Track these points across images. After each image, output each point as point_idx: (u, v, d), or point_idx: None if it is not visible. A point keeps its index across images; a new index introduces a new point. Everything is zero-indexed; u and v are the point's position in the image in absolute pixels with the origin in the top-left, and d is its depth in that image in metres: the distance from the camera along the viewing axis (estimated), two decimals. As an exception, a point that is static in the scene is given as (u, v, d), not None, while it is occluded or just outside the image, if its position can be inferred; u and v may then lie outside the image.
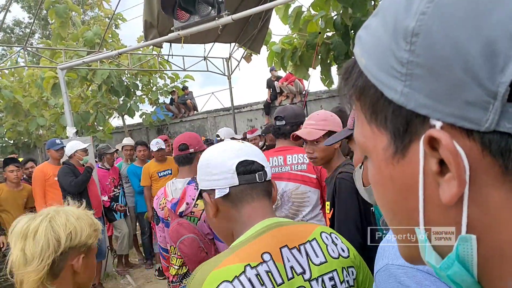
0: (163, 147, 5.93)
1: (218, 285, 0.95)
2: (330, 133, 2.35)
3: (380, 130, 0.43)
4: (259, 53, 8.81)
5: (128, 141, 7.00)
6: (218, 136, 5.57)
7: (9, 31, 25.00)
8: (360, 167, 1.08)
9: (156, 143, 5.91)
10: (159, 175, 6.02)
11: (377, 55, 0.42)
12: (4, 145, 15.60)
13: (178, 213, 2.49)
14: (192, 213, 2.51)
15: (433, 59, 0.37)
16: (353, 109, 0.49)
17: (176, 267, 2.60)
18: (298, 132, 2.45)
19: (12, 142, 15.89)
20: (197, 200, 2.39)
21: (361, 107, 0.45)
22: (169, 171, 6.10)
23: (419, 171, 0.40)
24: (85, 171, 5.33)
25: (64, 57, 8.41)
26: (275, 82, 10.73)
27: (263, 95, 11.40)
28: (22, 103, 12.84)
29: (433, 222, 0.41)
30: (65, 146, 5.89)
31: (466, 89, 0.35)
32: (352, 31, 7.36)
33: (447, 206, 0.39)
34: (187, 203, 2.48)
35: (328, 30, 7.63)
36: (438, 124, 0.38)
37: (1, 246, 5.38)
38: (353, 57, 0.47)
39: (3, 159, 5.79)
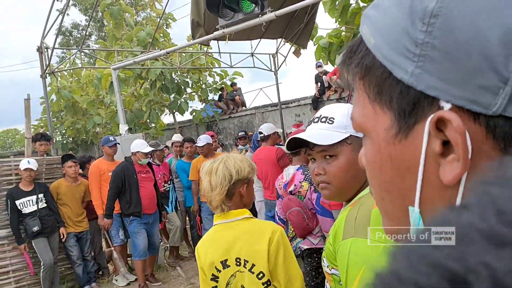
0: (210, 141, 6.08)
1: None
2: None
3: (383, 110, 0.44)
4: (305, 48, 8.78)
5: (177, 137, 7.21)
6: (261, 132, 5.63)
7: (68, 34, 26.31)
8: None
9: (203, 139, 6.09)
10: None
11: (388, 35, 0.41)
12: (64, 142, 16.42)
13: (288, 191, 3.45)
14: (299, 192, 3.41)
15: (451, 42, 0.37)
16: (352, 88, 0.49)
17: (290, 231, 3.45)
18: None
19: (71, 139, 16.71)
20: (302, 182, 3.41)
21: (365, 87, 0.45)
22: None
23: (420, 151, 0.41)
24: (107, 208, 5.60)
25: (117, 57, 8.75)
26: (323, 76, 10.65)
27: (311, 90, 11.36)
28: (80, 102, 13.47)
29: (428, 201, 0.42)
30: (118, 143, 6.17)
31: (481, 74, 0.36)
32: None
33: (445, 186, 0.40)
34: (295, 185, 3.41)
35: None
36: (447, 106, 0.38)
37: (62, 236, 5.72)
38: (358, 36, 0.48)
39: (61, 156, 6.14)
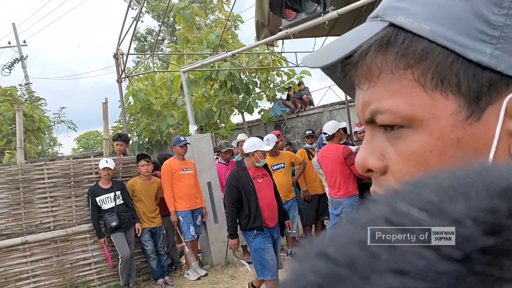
0: (270, 148, 6.16)
1: None
2: None
3: (446, 96, 0.43)
4: None
5: (242, 136, 7.37)
6: (325, 133, 5.61)
7: (143, 40, 27.61)
8: None
9: (266, 140, 6.18)
10: (273, 168, 6.27)
11: (451, 21, 0.42)
12: (140, 142, 17.29)
13: None
14: None
15: None
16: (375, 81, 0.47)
17: None
18: None
19: (146, 140, 17.56)
20: None
21: (415, 75, 0.44)
22: (282, 165, 6.33)
23: (493, 132, 0.41)
24: (229, 227, 4.78)
25: (187, 60, 9.09)
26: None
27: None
28: (154, 104, 14.11)
29: None
30: (188, 143, 6.43)
31: None
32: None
33: None
34: None
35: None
36: None
37: (137, 232, 6.07)
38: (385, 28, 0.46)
39: (136, 156, 6.51)
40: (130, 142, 16.98)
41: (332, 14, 4.62)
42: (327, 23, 4.84)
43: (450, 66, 0.42)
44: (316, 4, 4.60)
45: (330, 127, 5.59)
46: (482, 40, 0.40)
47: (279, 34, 5.42)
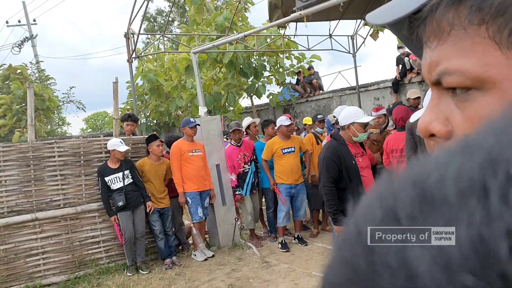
0: (288, 123, 6.15)
1: None
2: None
3: None
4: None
5: (248, 120, 7.39)
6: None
7: (153, 20, 27.49)
8: None
9: (279, 121, 6.19)
10: (283, 151, 6.27)
11: None
12: (149, 124, 17.33)
13: None
14: None
15: None
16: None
17: None
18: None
19: (155, 122, 17.59)
20: None
21: (490, 31, 0.40)
22: (293, 149, 6.32)
23: None
24: (333, 212, 3.98)
25: (197, 42, 9.02)
26: (405, 58, 10.23)
27: (392, 72, 10.96)
28: (163, 86, 14.10)
29: None
30: (198, 125, 6.41)
31: None
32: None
33: None
34: None
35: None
36: None
37: (148, 209, 6.06)
38: None
39: (147, 137, 6.50)
40: (138, 123, 17.07)
41: (348, -5, 4.54)
42: (342, 4, 4.76)
43: None
44: (332, -15, 4.52)
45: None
46: None
47: (293, 15, 5.35)
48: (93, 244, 6.15)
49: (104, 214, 6.16)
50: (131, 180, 5.98)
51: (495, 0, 0.40)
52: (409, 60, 10.11)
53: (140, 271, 6.00)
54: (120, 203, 5.84)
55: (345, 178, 3.88)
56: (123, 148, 5.88)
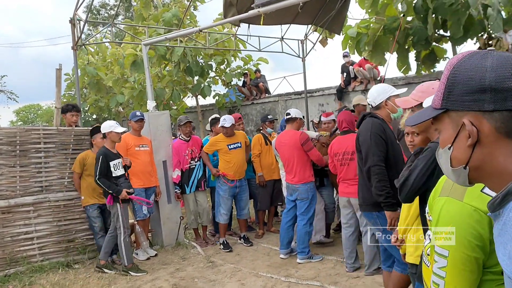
0: (227, 125, 6.15)
1: None
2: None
3: None
4: (339, 34, 8.65)
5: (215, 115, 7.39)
6: (288, 114, 5.66)
7: (96, 12, 26.48)
8: (449, 148, 1.02)
9: (222, 120, 6.21)
10: (229, 147, 6.25)
11: None
12: (87, 119, 16.60)
13: None
14: None
15: None
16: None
17: None
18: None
19: (93, 117, 16.89)
20: None
21: None
22: (239, 144, 6.33)
23: None
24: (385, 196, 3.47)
25: (147, 35, 8.76)
26: (350, 66, 10.53)
27: (336, 80, 11.23)
28: (104, 80, 13.56)
29: None
30: (143, 119, 6.17)
31: None
32: (434, 15, 7.03)
33: None
34: None
35: (404, 15, 7.33)
36: None
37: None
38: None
39: (91, 128, 6.16)
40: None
41: (308, -4, 4.57)
42: (301, 4, 4.79)
43: None
44: (293, -16, 4.53)
45: (295, 111, 5.68)
46: None
47: (250, 12, 5.31)
48: (26, 240, 5.74)
49: (40, 208, 5.78)
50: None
51: None
52: (353, 69, 10.42)
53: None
54: (132, 190, 5.49)
55: (390, 159, 3.50)
56: (120, 129, 5.51)
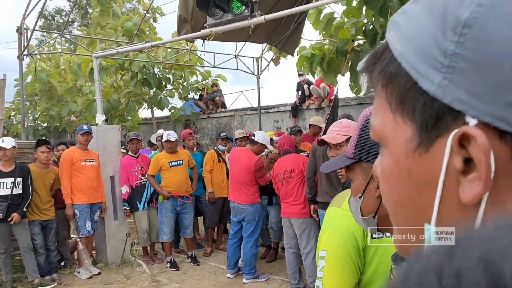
0: (172, 139, 6.07)
1: None
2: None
3: (405, 121, 0.42)
4: (293, 55, 8.80)
5: (162, 131, 7.24)
6: (253, 135, 5.70)
7: (50, 18, 25.73)
8: (360, 197, 1.05)
9: (166, 135, 6.12)
10: (170, 164, 6.16)
11: (417, 43, 0.39)
12: (37, 127, 16.04)
13: None
14: None
15: (483, 55, 0.35)
16: (372, 95, 0.47)
17: None
18: (323, 136, 2.51)
19: (44, 125, 16.33)
20: None
21: (387, 95, 0.43)
22: (181, 161, 6.25)
23: (441, 167, 0.39)
24: None
25: (99, 46, 8.60)
26: (305, 85, 10.71)
27: (291, 97, 11.40)
28: (56, 88, 13.17)
29: (445, 220, 0.40)
30: (90, 132, 6.02)
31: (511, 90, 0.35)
32: (381, 40, 7.29)
33: (464, 205, 0.38)
34: None
35: (358, 37, 7.59)
36: (473, 121, 0.36)
37: (12, 221, 5.39)
38: (383, 41, 0.45)
39: (36, 141, 5.97)
40: (26, 125, 15.71)
41: (259, 19, 4.63)
42: (252, 27, 4.85)
43: (409, 91, 0.40)
44: (244, 7, 4.58)
45: (263, 136, 5.56)
46: (435, 68, 0.38)
47: (202, 32, 5.32)
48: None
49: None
50: (20, 191, 5.41)
51: (390, 67, 0.42)
52: (308, 87, 10.61)
53: None
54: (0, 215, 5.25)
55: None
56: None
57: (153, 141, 7.31)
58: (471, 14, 0.36)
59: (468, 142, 0.37)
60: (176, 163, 6.22)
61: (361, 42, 8.01)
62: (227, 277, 5.69)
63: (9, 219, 5.34)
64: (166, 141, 6.16)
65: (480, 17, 0.35)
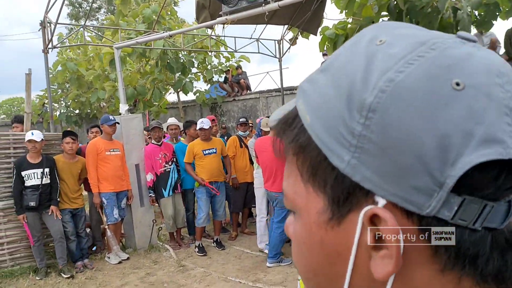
0: (206, 127, 6.11)
1: None
2: None
3: (317, 193, 0.42)
4: (316, 35, 8.66)
5: (172, 120, 7.25)
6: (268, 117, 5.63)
7: (78, 5, 26.12)
8: None
9: (200, 122, 6.14)
10: (204, 152, 6.24)
11: (325, 117, 0.40)
12: (69, 114, 16.48)
13: None
14: None
15: (386, 139, 0.36)
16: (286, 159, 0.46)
17: None
18: None
19: (76, 112, 16.76)
20: None
21: (299, 165, 0.43)
22: (214, 150, 6.31)
23: (353, 240, 0.39)
24: None
25: (121, 35, 8.70)
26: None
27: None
28: (85, 75, 13.46)
29: None
30: (118, 123, 6.18)
31: (415, 175, 0.36)
32: (408, 16, 7.07)
33: (375, 279, 0.39)
34: None
35: (382, 14, 7.38)
36: (382, 201, 0.37)
37: (50, 213, 5.67)
38: (294, 106, 0.45)
39: (62, 132, 6.16)
40: (58, 113, 16.17)
41: (273, 5, 4.58)
42: (267, 13, 4.80)
43: (320, 164, 0.40)
44: (258, -6, 4.54)
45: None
46: (344, 145, 0.38)
47: (219, 19, 5.31)
48: (-4, 245, 5.74)
49: (9, 213, 5.77)
50: (48, 181, 5.63)
51: (300, 137, 0.42)
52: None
53: (62, 274, 5.64)
54: (32, 204, 5.47)
55: None
56: (27, 137, 5.49)
57: (165, 129, 7.40)
58: (374, 99, 0.37)
59: (379, 221, 0.38)
60: (209, 151, 6.30)
61: (385, 19, 7.83)
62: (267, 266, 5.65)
63: (47, 211, 5.60)
64: (200, 129, 6.20)
65: (382, 102, 0.36)
